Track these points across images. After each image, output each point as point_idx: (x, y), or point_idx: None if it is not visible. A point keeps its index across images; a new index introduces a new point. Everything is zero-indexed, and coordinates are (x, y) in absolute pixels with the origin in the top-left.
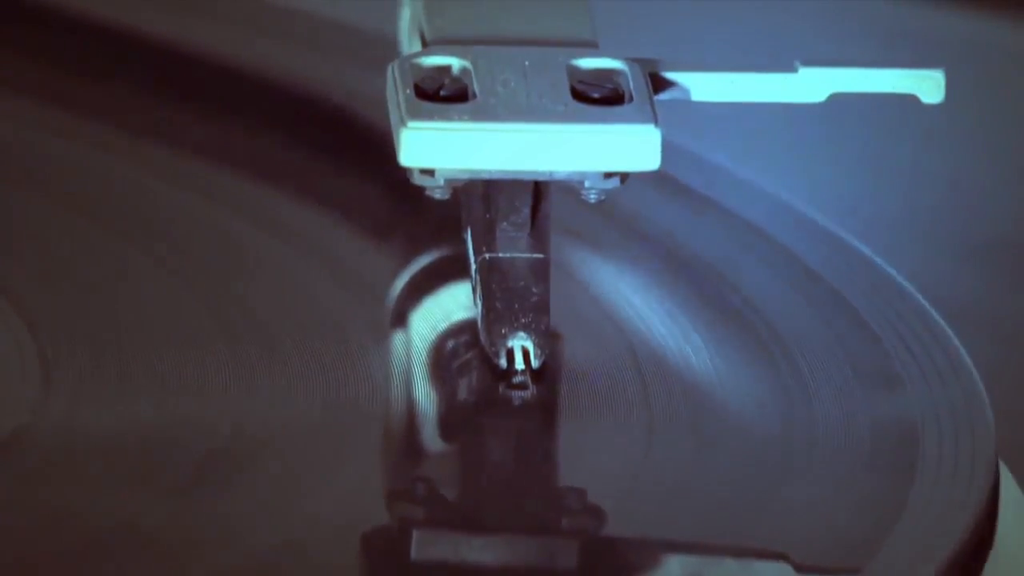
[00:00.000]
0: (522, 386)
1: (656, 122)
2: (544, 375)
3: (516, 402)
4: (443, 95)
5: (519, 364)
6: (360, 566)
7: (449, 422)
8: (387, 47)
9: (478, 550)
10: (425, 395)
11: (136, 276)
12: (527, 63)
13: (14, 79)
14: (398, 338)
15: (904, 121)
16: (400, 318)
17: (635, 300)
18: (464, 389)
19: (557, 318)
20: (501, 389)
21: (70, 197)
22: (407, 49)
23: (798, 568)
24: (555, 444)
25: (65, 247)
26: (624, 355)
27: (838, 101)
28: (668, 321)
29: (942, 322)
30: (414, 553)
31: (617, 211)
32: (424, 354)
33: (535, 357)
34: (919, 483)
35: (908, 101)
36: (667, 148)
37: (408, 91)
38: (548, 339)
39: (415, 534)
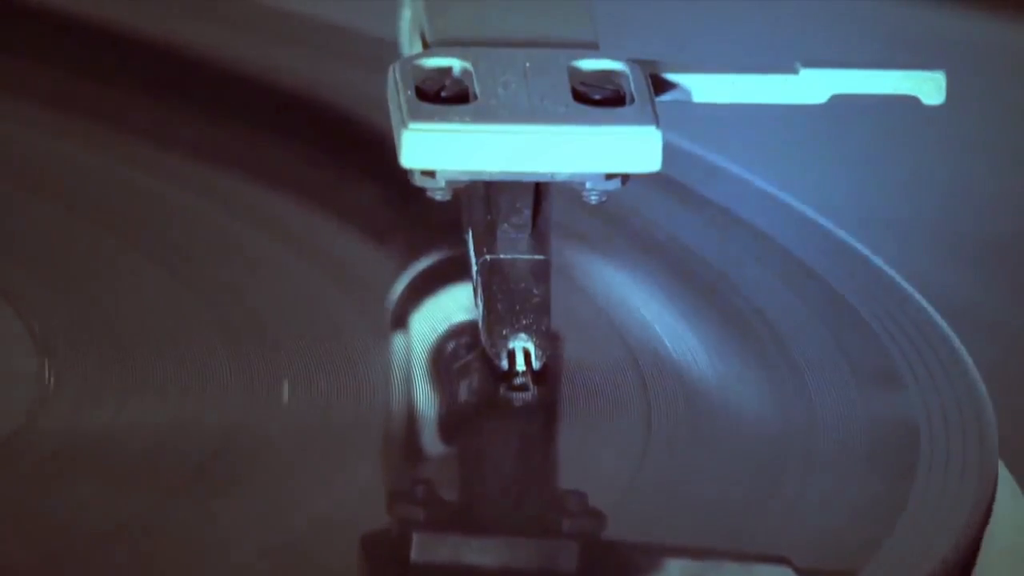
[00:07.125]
0: (523, 387)
1: (657, 123)
2: (545, 376)
3: (517, 404)
4: (444, 96)
5: (520, 366)
6: (360, 568)
7: (449, 424)
8: (386, 49)
9: (478, 552)
10: (425, 397)
11: (136, 276)
12: (528, 64)
13: (15, 80)
14: (398, 340)
15: (905, 121)
16: (401, 320)
17: (636, 301)
18: (465, 391)
19: (559, 320)
20: (502, 391)
21: (70, 197)
22: (408, 50)
23: (798, 570)
24: (556, 446)
25: (66, 247)
26: (624, 357)
27: (839, 102)
28: (669, 322)
29: (942, 322)
30: (414, 555)
31: (616, 212)
32: (424, 356)
33: (536, 359)
34: (919, 483)
35: (908, 101)
36: (666, 149)
37: (409, 92)
38: (549, 340)
39: (415, 537)
